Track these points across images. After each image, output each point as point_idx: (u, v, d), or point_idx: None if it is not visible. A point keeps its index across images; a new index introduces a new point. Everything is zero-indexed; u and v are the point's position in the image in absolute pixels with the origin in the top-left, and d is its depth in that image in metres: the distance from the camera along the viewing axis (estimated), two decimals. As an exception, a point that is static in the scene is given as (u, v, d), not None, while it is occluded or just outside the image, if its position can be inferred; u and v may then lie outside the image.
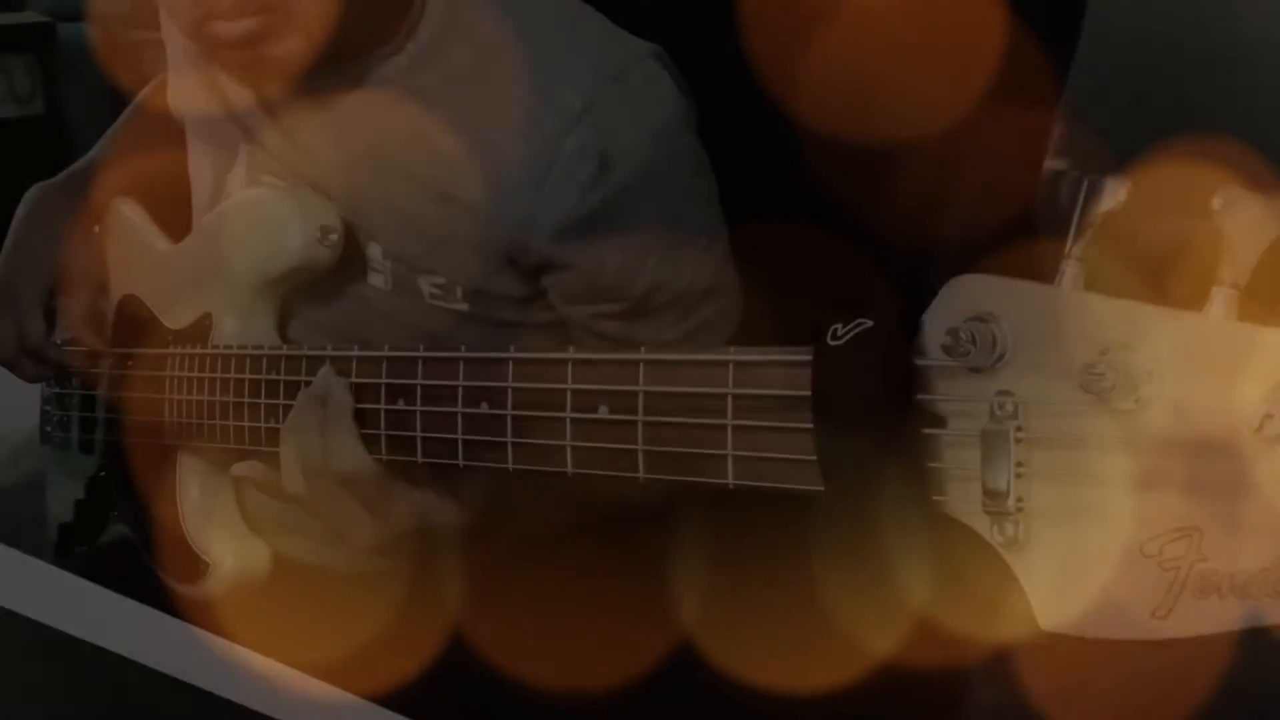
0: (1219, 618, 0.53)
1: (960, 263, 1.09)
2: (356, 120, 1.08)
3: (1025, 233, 1.09)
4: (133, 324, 1.26)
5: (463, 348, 0.87)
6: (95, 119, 1.39)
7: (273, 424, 1.03)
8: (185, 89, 1.23)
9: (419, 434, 0.90)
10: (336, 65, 1.07)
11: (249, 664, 0.89)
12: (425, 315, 1.10)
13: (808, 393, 0.64)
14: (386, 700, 0.85)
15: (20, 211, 1.31)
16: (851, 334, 0.63)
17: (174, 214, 1.31)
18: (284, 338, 1.15)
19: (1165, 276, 0.57)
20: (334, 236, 1.07)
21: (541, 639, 1.12)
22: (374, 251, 1.10)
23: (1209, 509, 0.54)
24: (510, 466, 0.84)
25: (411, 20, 1.05)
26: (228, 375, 1.09)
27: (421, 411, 0.89)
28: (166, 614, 0.97)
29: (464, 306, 1.08)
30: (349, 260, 1.10)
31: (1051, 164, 1.15)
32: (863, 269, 1.15)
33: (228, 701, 0.82)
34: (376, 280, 1.10)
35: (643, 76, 1.04)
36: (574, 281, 1.05)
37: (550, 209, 1.01)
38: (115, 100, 1.42)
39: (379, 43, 1.06)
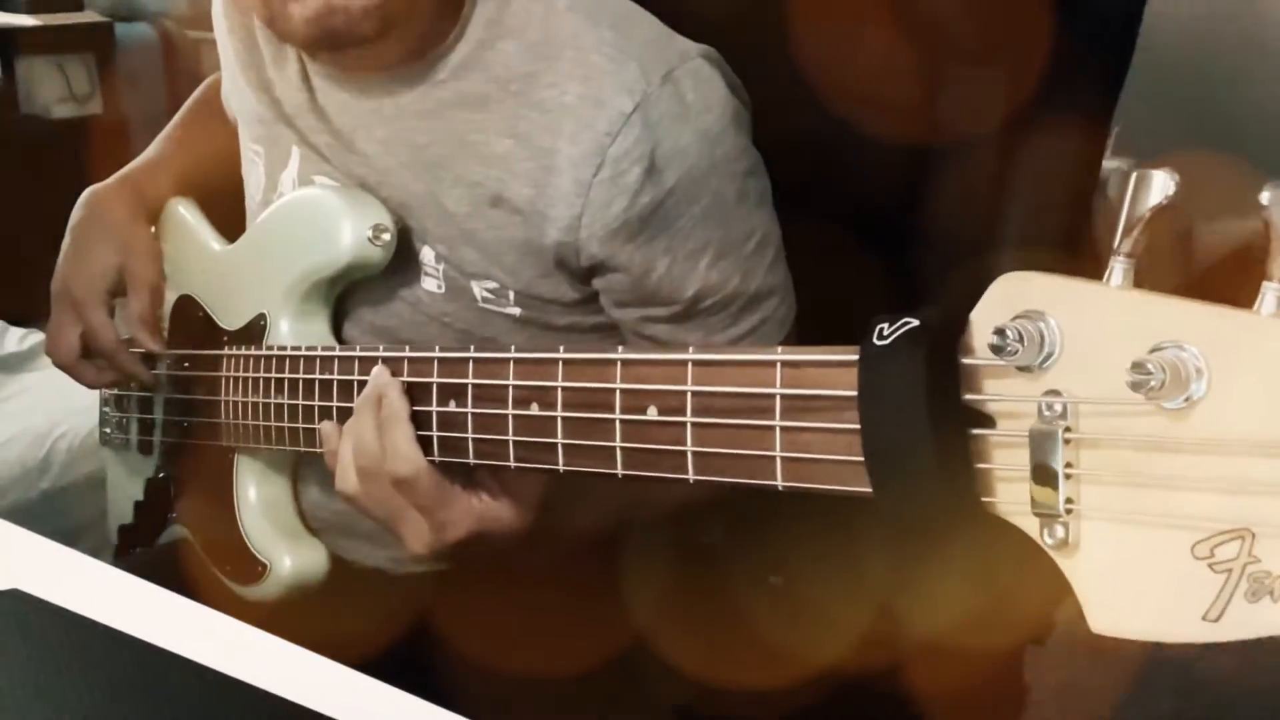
0: (1272, 621, 0.53)
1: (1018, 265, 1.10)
2: (408, 123, 1.09)
3: (1084, 234, 1.10)
4: (189, 325, 1.28)
5: (512, 348, 0.88)
6: (153, 119, 1.41)
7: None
8: (238, 90, 1.24)
9: (470, 435, 0.91)
10: (389, 68, 1.08)
11: (308, 663, 0.90)
12: (478, 319, 1.11)
13: (854, 393, 0.65)
14: (442, 699, 0.86)
15: (76, 215, 1.32)
16: (898, 333, 0.63)
17: (228, 213, 1.33)
18: (340, 340, 1.17)
19: (1213, 271, 0.57)
20: (386, 235, 1.08)
21: (603, 641, 1.13)
22: (427, 255, 1.11)
23: (1261, 510, 0.53)
24: (560, 468, 0.84)
25: (461, 22, 1.06)
26: (281, 375, 1.11)
27: (473, 413, 0.90)
28: (224, 614, 0.98)
29: (516, 311, 1.10)
30: (403, 263, 1.11)
31: (1110, 164, 1.15)
32: (917, 273, 1.16)
33: (289, 702, 0.83)
34: (429, 284, 1.11)
35: (692, 77, 1.04)
36: (623, 284, 1.06)
37: (599, 211, 1.02)
38: (173, 100, 1.43)
39: (430, 44, 1.07)
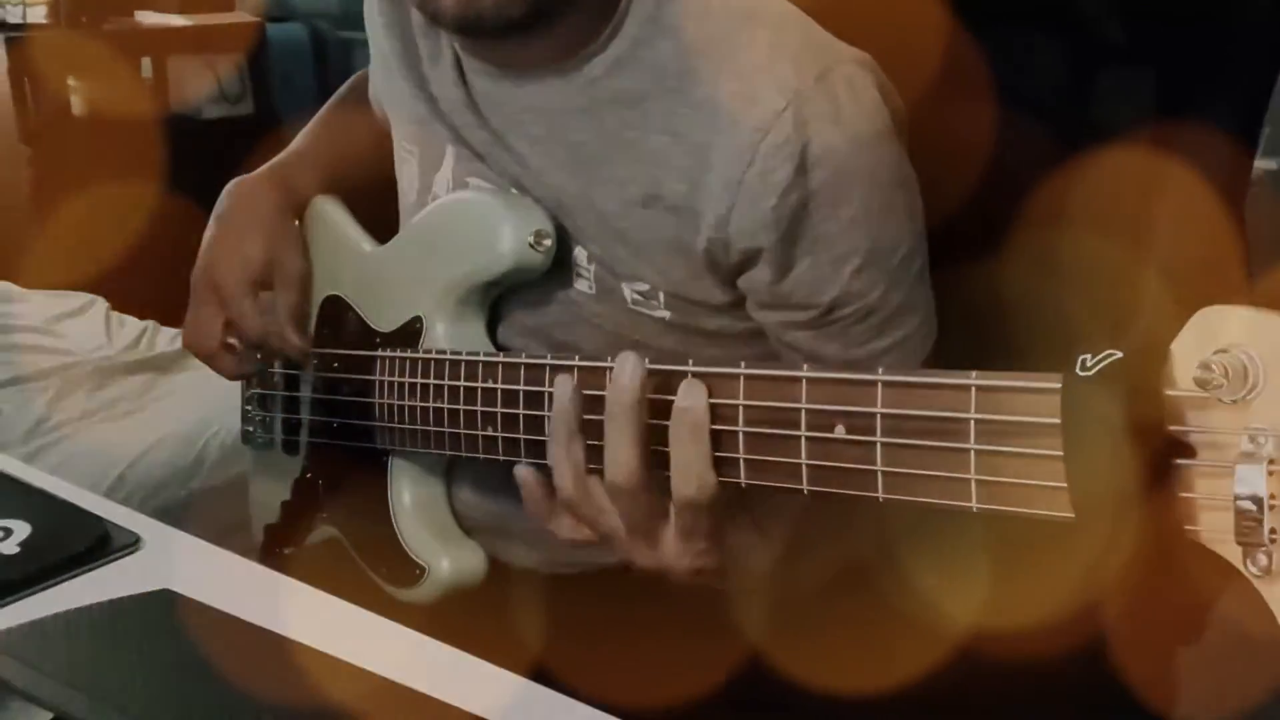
0: None
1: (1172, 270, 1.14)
2: (564, 120, 1.15)
3: (1236, 233, 1.14)
4: (337, 325, 1.33)
5: (690, 361, 0.92)
6: (304, 120, 1.46)
7: (489, 432, 1.10)
8: (393, 88, 1.30)
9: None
10: (545, 65, 1.14)
11: (460, 664, 0.95)
12: (628, 321, 1.16)
13: (1056, 420, 0.70)
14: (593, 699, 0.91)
15: (221, 204, 1.37)
16: (1101, 365, 0.68)
17: (375, 210, 1.38)
18: (494, 341, 1.22)
19: None
20: (548, 241, 1.14)
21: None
22: (579, 255, 1.16)
23: None
24: (743, 482, 0.90)
25: (618, 18, 1.12)
26: (441, 381, 1.16)
27: (651, 425, 0.94)
28: (378, 616, 1.03)
29: (665, 314, 1.15)
30: (557, 264, 1.16)
31: (1261, 164, 1.19)
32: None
33: (438, 701, 0.87)
34: (581, 285, 1.17)
35: (846, 80, 1.07)
36: (763, 284, 1.10)
37: (748, 207, 1.06)
38: (324, 100, 1.49)
39: (586, 41, 1.12)
